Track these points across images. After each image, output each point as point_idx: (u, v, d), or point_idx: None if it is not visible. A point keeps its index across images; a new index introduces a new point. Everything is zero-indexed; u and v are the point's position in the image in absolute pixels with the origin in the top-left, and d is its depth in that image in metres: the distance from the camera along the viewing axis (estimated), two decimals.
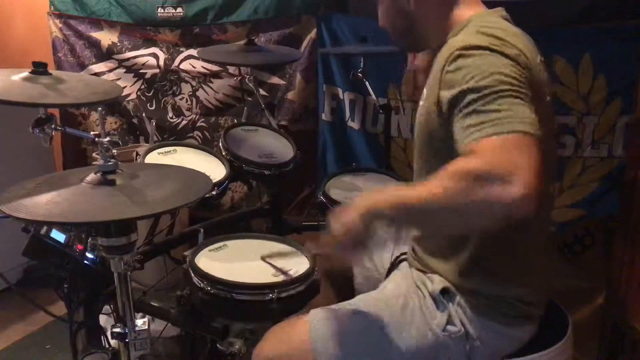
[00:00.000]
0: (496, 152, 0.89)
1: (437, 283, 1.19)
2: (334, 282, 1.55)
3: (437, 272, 1.21)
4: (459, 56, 0.99)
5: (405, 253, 1.37)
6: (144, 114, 2.84)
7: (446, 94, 1.00)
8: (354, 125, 2.47)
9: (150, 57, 2.76)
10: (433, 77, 1.10)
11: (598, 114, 2.00)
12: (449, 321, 1.15)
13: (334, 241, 1.02)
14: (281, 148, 1.91)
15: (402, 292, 1.21)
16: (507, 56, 0.98)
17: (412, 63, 1.58)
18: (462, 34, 1.09)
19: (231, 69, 2.63)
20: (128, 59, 2.80)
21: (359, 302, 1.24)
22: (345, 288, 1.52)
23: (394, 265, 1.39)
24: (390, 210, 0.96)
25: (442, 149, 1.12)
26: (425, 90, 1.17)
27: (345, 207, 1.01)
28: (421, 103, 1.18)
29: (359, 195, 1.03)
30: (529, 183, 0.85)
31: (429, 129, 1.13)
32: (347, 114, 2.47)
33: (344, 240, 1.00)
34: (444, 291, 1.17)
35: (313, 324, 1.19)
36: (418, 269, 1.26)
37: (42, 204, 0.97)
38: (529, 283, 1.16)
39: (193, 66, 2.70)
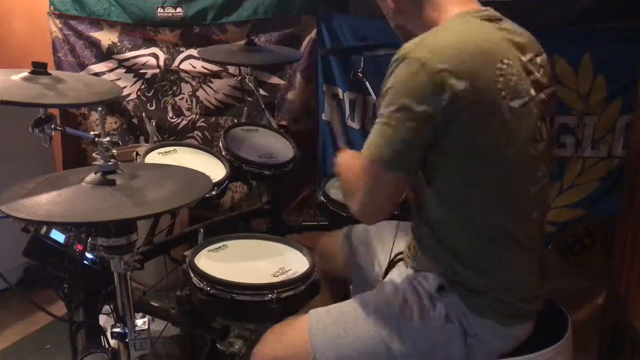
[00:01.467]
0: (363, 169, 1.11)
1: (432, 281, 1.19)
2: (330, 283, 1.55)
3: (432, 271, 1.21)
4: (394, 61, 1.06)
5: (401, 253, 1.38)
6: (144, 114, 2.84)
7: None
8: (354, 125, 2.47)
9: (150, 57, 2.76)
10: None
11: (598, 114, 2.00)
12: (447, 318, 1.15)
13: None
14: (281, 148, 1.91)
15: (400, 291, 1.22)
16: (426, 73, 1.00)
17: None
18: (415, 38, 1.08)
19: (231, 69, 2.63)
20: (128, 59, 2.80)
21: (358, 301, 1.24)
22: (341, 289, 1.52)
23: (391, 265, 1.39)
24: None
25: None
26: None
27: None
28: None
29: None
30: (361, 206, 1.14)
31: None
32: (347, 113, 2.47)
33: None
34: (440, 288, 1.17)
35: (312, 324, 1.19)
36: (414, 268, 1.26)
37: (42, 204, 0.97)
38: (522, 280, 1.16)
39: (193, 66, 2.70)
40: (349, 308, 1.23)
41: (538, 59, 1.15)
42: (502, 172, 1.08)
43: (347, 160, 1.25)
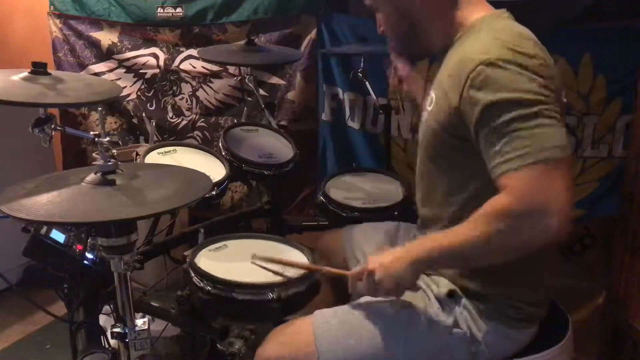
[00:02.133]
0: (528, 187, 0.95)
1: (443, 286, 1.19)
2: (331, 281, 1.55)
3: (443, 275, 1.21)
4: (484, 70, 0.99)
5: None
6: (144, 114, 2.84)
7: (472, 108, 1.01)
8: (354, 125, 2.47)
9: (150, 57, 2.76)
10: (446, 85, 1.09)
11: (598, 114, 2.00)
12: (455, 324, 1.15)
13: (377, 288, 1.12)
14: (281, 148, 1.91)
15: (407, 294, 1.21)
16: (533, 71, 0.98)
17: (393, 78, 1.57)
18: (478, 41, 1.07)
19: (231, 69, 2.63)
20: (128, 59, 2.80)
21: (363, 303, 1.24)
22: (342, 287, 1.52)
23: None
24: (436, 260, 1.07)
25: (451, 158, 1.14)
26: (433, 97, 1.16)
27: (386, 258, 1.11)
28: (429, 109, 1.18)
29: (393, 247, 1.15)
30: (563, 210, 0.93)
31: (437, 138, 1.14)
32: (347, 113, 2.47)
33: (391, 288, 1.10)
34: (450, 294, 1.17)
35: (317, 326, 1.19)
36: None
37: (42, 204, 0.97)
38: (534, 284, 1.16)
39: (193, 66, 2.70)
40: (356, 310, 1.22)
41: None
42: None
43: (495, 208, 0.99)
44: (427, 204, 1.27)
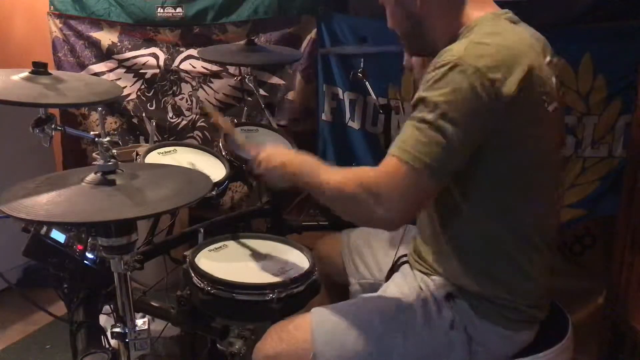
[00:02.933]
0: (390, 173, 1.04)
1: (441, 286, 1.19)
2: (329, 286, 1.55)
3: (442, 275, 1.21)
4: (437, 67, 1.02)
5: (405, 255, 1.37)
6: (144, 114, 2.84)
7: (415, 95, 1.06)
8: (354, 125, 2.47)
9: (150, 57, 2.76)
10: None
11: (598, 114, 2.00)
12: (452, 324, 1.15)
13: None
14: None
15: (405, 293, 1.21)
16: (478, 85, 0.98)
17: (407, 60, 1.56)
18: (464, 40, 1.07)
19: (231, 69, 2.63)
20: (128, 59, 2.80)
21: (361, 301, 1.24)
22: (340, 292, 1.52)
23: (394, 268, 1.38)
24: (297, 174, 1.20)
25: None
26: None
27: (272, 158, 1.26)
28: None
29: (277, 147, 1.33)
30: (394, 206, 1.03)
31: None
32: (347, 114, 2.47)
33: (255, 166, 1.29)
34: (448, 295, 1.17)
35: (315, 323, 1.19)
36: (421, 271, 1.26)
37: (42, 204, 0.97)
38: (534, 286, 1.16)
39: (193, 66, 2.70)
40: (352, 308, 1.23)
41: (554, 60, 1.16)
42: (533, 177, 1.09)
43: (364, 173, 1.10)
44: (421, 215, 1.28)
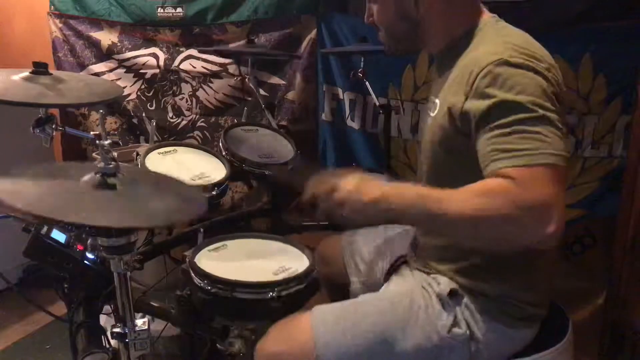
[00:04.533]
0: (538, 182, 0.90)
1: (444, 284, 1.19)
2: (329, 286, 1.55)
3: (444, 274, 1.21)
4: (494, 69, 0.98)
5: (403, 256, 1.37)
6: (144, 114, 2.84)
7: (479, 104, 0.99)
8: (354, 125, 2.47)
9: (150, 57, 2.76)
10: (452, 90, 1.08)
11: (598, 114, 2.00)
12: (455, 323, 1.15)
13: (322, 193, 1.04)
14: (281, 148, 1.91)
15: (407, 292, 1.21)
16: (542, 75, 0.98)
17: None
18: (486, 45, 1.07)
19: (231, 69, 2.63)
20: (128, 59, 2.80)
21: (363, 300, 1.24)
22: (340, 293, 1.52)
23: (392, 270, 1.38)
24: (411, 220, 1.00)
25: (451, 169, 1.12)
26: (437, 103, 1.16)
27: (350, 178, 1.02)
28: (432, 114, 1.17)
29: (365, 176, 1.03)
30: (559, 220, 0.89)
31: (442, 139, 1.12)
32: (347, 114, 2.47)
33: (331, 203, 1.02)
34: (452, 293, 1.17)
35: (316, 322, 1.19)
36: (421, 270, 1.26)
37: (41, 199, 0.97)
38: (536, 284, 1.16)
39: (193, 66, 2.70)
40: (354, 306, 1.23)
41: None
42: None
43: (496, 185, 0.94)
44: None
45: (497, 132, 0.96)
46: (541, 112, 0.94)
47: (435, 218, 0.95)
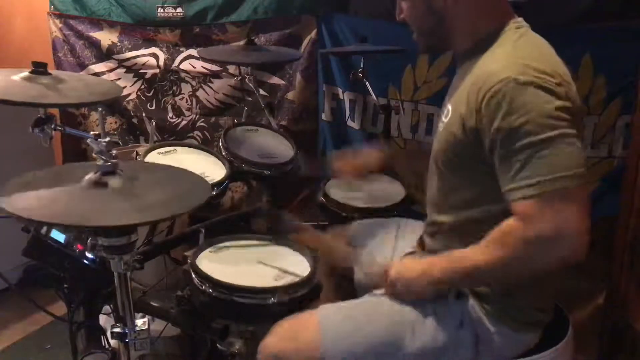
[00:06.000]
0: (540, 214, 0.97)
1: None
2: (334, 277, 1.55)
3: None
4: (501, 90, 0.99)
5: (412, 253, 1.37)
6: (144, 114, 2.84)
7: (489, 128, 1.01)
8: (354, 125, 2.47)
9: (150, 57, 2.76)
10: (464, 99, 1.08)
11: (598, 114, 2.00)
12: (461, 324, 1.15)
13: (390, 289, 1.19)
14: (281, 148, 1.91)
15: None
16: (551, 92, 0.98)
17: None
18: (498, 56, 1.07)
19: (231, 69, 2.63)
20: (128, 59, 2.80)
21: (369, 299, 1.24)
22: (345, 282, 1.51)
23: None
24: (455, 283, 1.13)
25: (461, 176, 1.14)
26: (449, 109, 1.15)
27: (408, 271, 1.16)
28: (444, 120, 1.17)
29: (407, 263, 1.20)
30: (575, 236, 0.99)
31: (453, 146, 1.13)
32: (347, 114, 2.47)
33: (402, 294, 1.18)
34: (458, 294, 1.17)
35: (322, 320, 1.18)
36: None
37: (41, 202, 0.97)
38: (541, 289, 1.16)
39: (193, 66, 2.69)
40: (360, 306, 1.23)
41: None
42: None
43: (508, 233, 1.02)
44: (436, 214, 1.27)
45: (506, 160, 1.00)
46: (549, 133, 0.96)
47: (465, 277, 1.09)
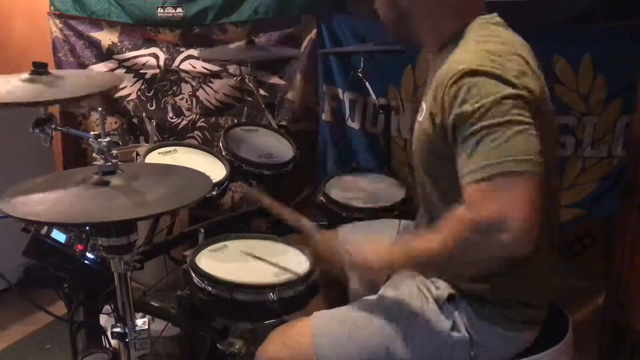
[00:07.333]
0: (488, 198, 0.94)
1: (443, 289, 1.19)
2: (326, 285, 1.55)
3: (443, 278, 1.21)
4: (460, 79, 1.00)
5: None
6: (144, 114, 2.84)
7: (448, 118, 1.02)
8: (354, 125, 2.47)
9: (150, 57, 2.76)
10: (432, 96, 1.09)
11: (598, 114, 1.99)
12: (454, 327, 1.15)
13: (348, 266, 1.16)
14: (281, 148, 1.91)
15: (405, 296, 1.21)
16: (506, 81, 0.98)
17: None
18: (462, 48, 1.08)
19: (231, 69, 2.63)
20: (128, 59, 2.80)
21: (362, 305, 1.24)
22: (337, 292, 1.52)
23: None
24: (404, 266, 1.13)
25: (439, 169, 1.14)
26: (423, 107, 1.16)
27: (370, 252, 1.12)
28: (419, 119, 1.18)
29: (368, 245, 1.14)
30: (521, 224, 0.92)
31: (425, 149, 1.14)
32: (347, 114, 2.47)
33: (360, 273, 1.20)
34: (449, 297, 1.17)
35: (316, 327, 1.19)
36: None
37: (42, 204, 0.97)
38: (535, 287, 1.16)
39: (193, 66, 2.70)
40: (354, 311, 1.22)
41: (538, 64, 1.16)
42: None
43: (456, 220, 1.00)
44: (426, 210, 1.28)
45: (461, 145, 0.99)
46: (499, 119, 0.95)
47: (425, 264, 1.08)
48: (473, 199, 0.96)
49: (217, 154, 1.76)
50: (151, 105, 2.83)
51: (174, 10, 2.64)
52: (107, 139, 1.08)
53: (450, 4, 1.14)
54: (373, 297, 1.26)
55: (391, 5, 1.20)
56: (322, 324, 1.20)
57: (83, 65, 2.86)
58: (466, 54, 1.05)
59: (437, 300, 1.18)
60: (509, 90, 0.97)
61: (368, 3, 1.31)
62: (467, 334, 1.14)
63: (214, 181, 1.57)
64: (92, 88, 1.38)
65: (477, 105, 0.97)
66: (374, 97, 2.08)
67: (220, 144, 1.77)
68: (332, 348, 1.16)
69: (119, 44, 2.79)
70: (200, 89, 2.73)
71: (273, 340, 1.22)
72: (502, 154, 0.94)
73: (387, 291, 1.27)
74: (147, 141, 2.80)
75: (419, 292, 1.20)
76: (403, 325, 1.16)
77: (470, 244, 0.97)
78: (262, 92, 2.46)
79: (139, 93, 2.83)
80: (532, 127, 0.97)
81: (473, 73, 0.99)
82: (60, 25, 2.85)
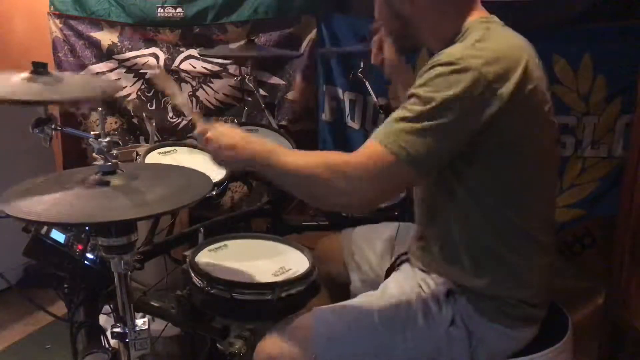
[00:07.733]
0: (371, 158, 1.02)
1: (441, 284, 1.19)
2: (329, 285, 1.55)
3: (442, 274, 1.21)
4: (433, 69, 1.02)
5: (404, 254, 1.37)
6: (144, 114, 2.83)
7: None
8: (354, 125, 2.47)
9: (150, 57, 2.76)
10: None
11: (598, 114, 2.00)
12: (453, 322, 1.15)
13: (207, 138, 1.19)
14: None
15: (405, 291, 1.21)
16: (471, 81, 0.98)
17: (375, 56, 1.48)
18: (460, 43, 1.09)
19: (231, 69, 2.63)
20: (128, 59, 2.80)
21: (362, 301, 1.24)
22: (340, 291, 1.52)
23: (393, 267, 1.39)
24: (257, 166, 1.15)
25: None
26: None
27: (228, 136, 1.16)
28: None
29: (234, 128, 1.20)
30: (369, 190, 1.04)
31: None
32: (347, 114, 2.47)
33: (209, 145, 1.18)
34: (448, 292, 1.17)
35: (316, 323, 1.19)
36: (421, 269, 1.26)
37: (42, 204, 0.97)
38: (534, 284, 1.16)
39: (193, 66, 2.70)
40: (353, 307, 1.23)
41: (540, 63, 1.16)
42: (533, 176, 1.10)
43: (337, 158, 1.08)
44: (419, 213, 1.28)
45: (397, 111, 1.04)
46: (429, 114, 0.99)
47: (272, 167, 1.11)
48: (361, 150, 1.04)
49: None
50: (151, 105, 2.83)
51: (174, 10, 2.64)
52: (107, 139, 1.08)
53: (450, 7, 1.15)
54: (372, 293, 1.26)
55: (394, 15, 1.20)
56: (321, 320, 1.20)
57: (83, 65, 2.86)
58: (454, 48, 1.06)
59: (436, 296, 1.18)
60: (473, 91, 0.98)
61: (368, 2, 1.31)
62: (465, 329, 1.15)
63: (214, 181, 1.57)
64: (93, 91, 1.37)
65: (426, 88, 1.01)
66: (374, 97, 2.08)
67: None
68: (331, 343, 1.16)
69: (119, 44, 2.79)
70: (201, 89, 2.73)
71: (272, 337, 1.22)
72: (408, 140, 1.00)
73: (387, 287, 1.28)
74: (147, 141, 2.80)
75: (418, 288, 1.21)
76: (402, 321, 1.16)
77: (310, 176, 1.06)
78: (262, 92, 2.46)
79: (139, 93, 2.83)
80: (451, 133, 1.00)
81: (447, 64, 1.01)
82: (60, 25, 2.85)
